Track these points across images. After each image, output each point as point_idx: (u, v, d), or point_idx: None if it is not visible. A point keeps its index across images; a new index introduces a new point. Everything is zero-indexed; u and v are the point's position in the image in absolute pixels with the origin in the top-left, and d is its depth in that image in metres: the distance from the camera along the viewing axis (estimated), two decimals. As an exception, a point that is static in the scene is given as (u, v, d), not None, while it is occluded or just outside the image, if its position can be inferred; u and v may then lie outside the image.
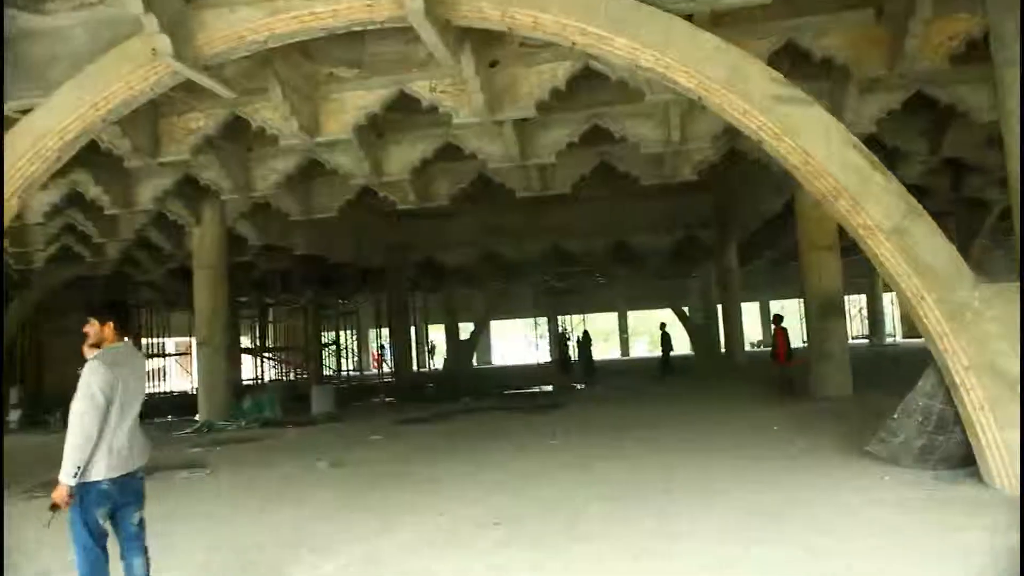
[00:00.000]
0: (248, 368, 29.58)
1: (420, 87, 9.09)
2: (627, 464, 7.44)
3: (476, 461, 8.21)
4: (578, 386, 19.79)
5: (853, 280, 24.40)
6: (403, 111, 10.77)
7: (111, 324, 3.77)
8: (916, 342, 31.91)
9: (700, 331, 32.44)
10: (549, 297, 37.60)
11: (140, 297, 25.35)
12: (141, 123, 9.67)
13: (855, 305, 32.99)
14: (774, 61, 7.15)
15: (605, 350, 39.02)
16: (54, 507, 3.47)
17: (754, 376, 18.93)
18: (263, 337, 26.67)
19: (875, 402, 10.79)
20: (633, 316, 40.99)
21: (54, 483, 3.46)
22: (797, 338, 37.61)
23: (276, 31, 6.65)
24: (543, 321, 39.78)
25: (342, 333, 28.33)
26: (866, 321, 33.70)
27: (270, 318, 28.36)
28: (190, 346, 24.61)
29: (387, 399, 19.66)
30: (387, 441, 10.59)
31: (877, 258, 5.51)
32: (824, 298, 12.27)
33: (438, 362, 37.27)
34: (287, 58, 8.51)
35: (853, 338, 29.20)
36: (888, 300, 35.37)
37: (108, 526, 3.67)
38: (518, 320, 41.61)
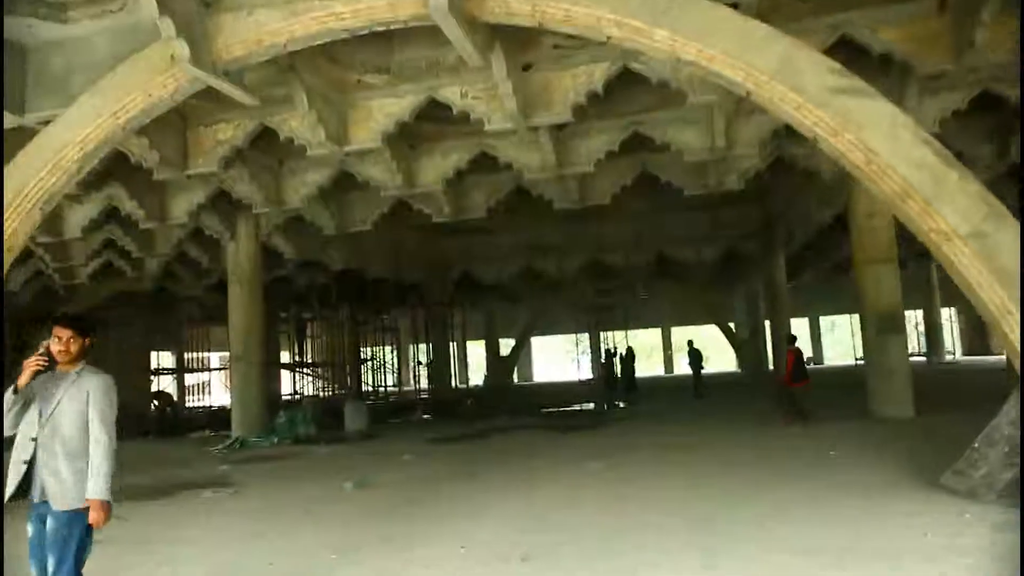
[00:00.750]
0: (287, 383, 29.68)
1: (451, 93, 8.74)
2: (671, 497, 6.86)
3: (509, 486, 7.72)
4: (619, 404, 19.14)
5: (908, 294, 23.39)
6: (435, 121, 10.48)
7: (88, 340, 3.42)
8: (978, 360, 30.37)
9: (746, 348, 31.44)
10: (591, 313, 36.96)
11: (182, 311, 25.61)
12: (169, 135, 9.54)
13: (910, 320, 31.53)
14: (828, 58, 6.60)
15: (648, 367, 38.09)
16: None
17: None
18: (301, 352, 26.64)
19: (940, 426, 10.01)
20: (677, 332, 39.98)
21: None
22: (849, 355, 36.43)
23: (295, 34, 6.34)
24: (584, 337, 39.08)
25: (382, 348, 28.15)
26: (923, 337, 32.17)
27: (308, 333, 28.36)
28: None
29: (424, 416, 19.33)
30: (417, 461, 10.17)
31: (953, 266, 4.88)
32: (882, 313, 11.49)
33: (478, 378, 36.90)
34: (312, 64, 8.26)
35: (909, 355, 27.85)
36: (947, 315, 33.80)
37: None
38: (559, 336, 41.00)
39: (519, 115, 8.42)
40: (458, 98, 8.71)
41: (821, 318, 38.65)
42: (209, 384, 32.08)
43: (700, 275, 26.73)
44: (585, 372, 38.72)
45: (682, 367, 35.20)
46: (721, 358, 40.59)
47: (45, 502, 3.29)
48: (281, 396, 27.13)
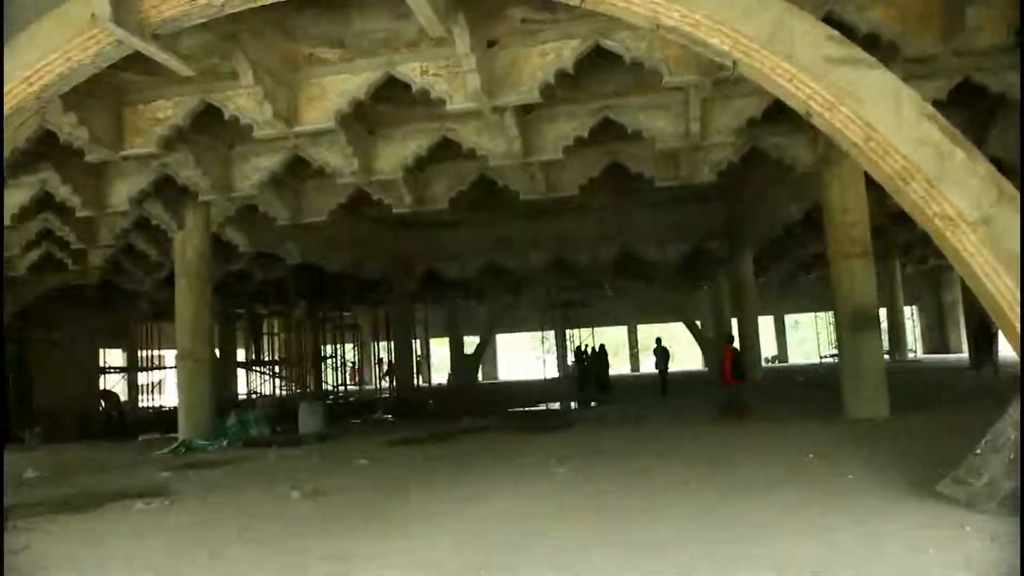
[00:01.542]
0: (245, 383, 28.69)
1: (410, 70, 8.13)
2: (640, 509, 6.36)
3: (467, 495, 7.14)
4: (592, 404, 18.71)
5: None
6: (394, 103, 9.84)
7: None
8: (939, 358, 30.68)
9: (712, 346, 31.31)
10: (556, 310, 36.55)
11: (132, 308, 24.45)
12: (101, 111, 8.75)
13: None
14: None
15: (614, 365, 37.81)
16: None
17: (773, 394, 17.80)
18: (257, 350, 25.68)
19: (918, 426, 9.71)
20: (643, 330, 39.80)
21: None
22: (814, 353, 36.61)
23: (233, -8, 5.69)
24: (550, 335, 38.66)
25: (343, 346, 27.34)
26: (886, 335, 32.43)
27: (266, 330, 27.41)
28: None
29: (386, 416, 18.65)
30: (373, 466, 9.52)
31: (958, 254, 4.46)
32: (857, 310, 11.16)
33: (443, 376, 36.25)
34: (259, 35, 7.57)
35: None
36: (909, 313, 34.18)
37: None
38: (525, 334, 40.50)
39: (483, 94, 7.84)
40: (418, 75, 8.10)
41: (785, 316, 38.84)
42: (162, 384, 30.82)
43: (666, 273, 26.45)
44: (551, 370, 38.31)
45: (648, 365, 35.10)
46: (688, 356, 40.58)
47: None
48: (237, 396, 26.19)
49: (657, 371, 19.25)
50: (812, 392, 17.34)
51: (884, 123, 4.47)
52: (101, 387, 25.17)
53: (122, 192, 11.77)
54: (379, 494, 7.50)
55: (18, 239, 15.44)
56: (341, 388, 27.49)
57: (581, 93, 9.84)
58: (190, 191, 11.86)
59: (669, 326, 35.55)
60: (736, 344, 13.12)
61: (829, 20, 7.15)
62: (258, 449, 12.24)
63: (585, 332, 36.61)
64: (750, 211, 18.85)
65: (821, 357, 36.04)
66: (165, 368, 28.66)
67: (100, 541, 6.03)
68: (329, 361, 27.46)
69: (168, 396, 30.73)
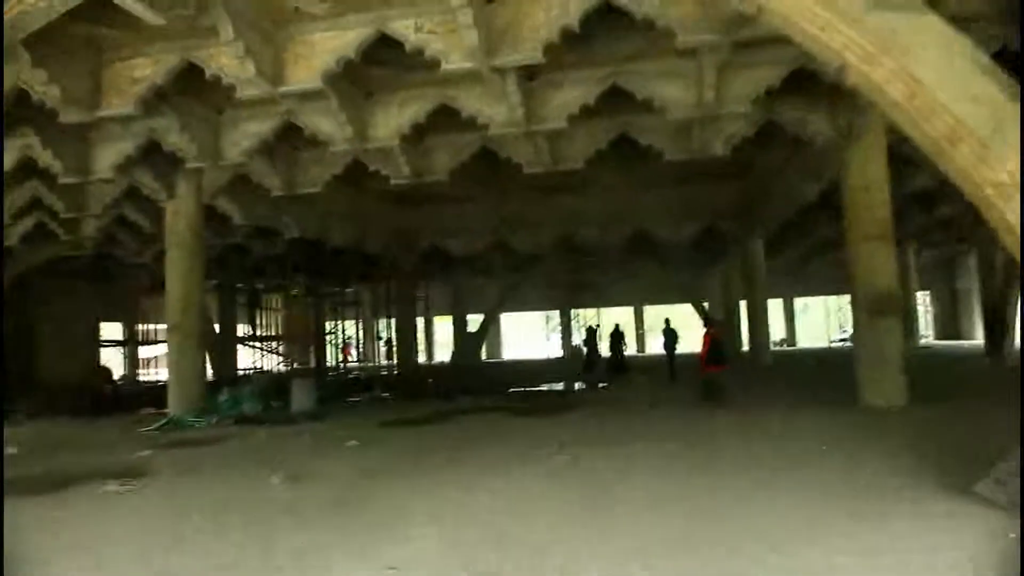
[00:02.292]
0: (246, 358, 28.32)
1: (403, 26, 7.55)
2: (646, 496, 5.86)
3: (460, 484, 6.66)
4: (599, 385, 18.25)
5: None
6: (390, 66, 9.26)
7: None
8: (952, 344, 30.00)
9: (721, 328, 30.72)
10: (562, 290, 36.02)
11: (130, 280, 24.04)
12: (75, 68, 8.21)
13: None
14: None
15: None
16: None
17: (783, 378, 17.29)
18: (254, 325, 25.27)
19: (938, 418, 9.15)
20: (650, 311, 39.23)
21: None
22: (822, 337, 36.02)
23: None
24: (555, 315, 38.18)
25: (346, 323, 26.91)
26: (899, 321, 31.78)
27: (267, 305, 26.99)
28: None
29: (384, 395, 18.23)
30: (362, 449, 9.07)
31: (1010, 226, 3.89)
32: (876, 294, 10.57)
33: (445, 354, 35.86)
34: (240, -15, 7.00)
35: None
36: (921, 299, 33.51)
37: None
38: (530, 313, 40.00)
39: (481, 52, 7.26)
40: (412, 32, 7.52)
41: (795, 300, 38.20)
42: (160, 358, 30.53)
43: (676, 253, 25.87)
44: (556, 350, 37.87)
45: (654, 346, 34.57)
46: (695, 338, 40.00)
47: None
48: (237, 372, 25.83)
49: (665, 353, 18.68)
50: (823, 377, 16.80)
51: (933, 78, 3.89)
52: (99, 361, 24.87)
53: (107, 158, 11.27)
54: (364, 480, 7.04)
55: (7, 207, 14.97)
56: (342, 365, 27.08)
57: (588, 58, 9.23)
58: (181, 160, 11.36)
59: (675, 308, 35.03)
60: (717, 326, 12.36)
61: None
62: (249, 427, 11.82)
63: (591, 312, 36.12)
64: (763, 191, 18.19)
65: (831, 341, 35.47)
66: (162, 342, 28.33)
67: (53, 529, 5.59)
68: (329, 338, 27.04)
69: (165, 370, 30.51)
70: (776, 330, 32.68)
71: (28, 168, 12.14)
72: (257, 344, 25.20)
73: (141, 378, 28.44)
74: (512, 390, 17.61)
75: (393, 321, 25.05)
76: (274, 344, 25.95)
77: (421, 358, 30.60)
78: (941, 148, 3.99)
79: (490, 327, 35.20)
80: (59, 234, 16.54)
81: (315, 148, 12.02)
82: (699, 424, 9.92)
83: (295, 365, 24.66)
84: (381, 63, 9.04)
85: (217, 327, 26.70)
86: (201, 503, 6.35)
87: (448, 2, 6.86)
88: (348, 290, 27.92)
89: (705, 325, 12.43)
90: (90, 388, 21.01)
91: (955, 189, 13.48)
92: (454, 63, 7.53)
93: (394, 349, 25.69)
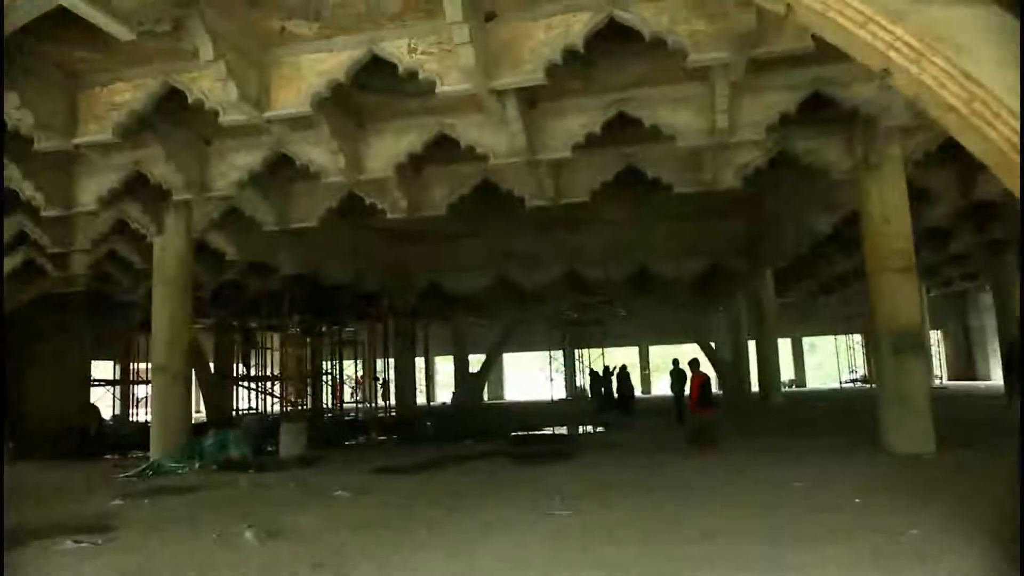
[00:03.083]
0: (242, 400, 27.58)
1: (395, 48, 7.12)
2: (663, 564, 5.19)
3: (451, 546, 5.98)
4: (605, 426, 17.59)
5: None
6: (385, 93, 8.85)
7: None
8: (967, 385, 29.15)
9: (729, 368, 30.03)
10: (565, 329, 35.38)
11: (123, 317, 23.48)
12: (49, 93, 7.80)
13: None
14: None
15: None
16: None
17: (794, 421, 16.55)
18: (247, 365, 24.62)
19: (973, 466, 8.47)
20: (655, 350, 38.51)
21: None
22: (832, 377, 35.19)
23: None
24: (559, 355, 37.48)
25: (339, 363, 26.25)
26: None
27: (263, 344, 26.37)
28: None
29: (381, 438, 17.52)
30: (351, 499, 8.39)
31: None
32: (900, 330, 9.95)
33: (446, 395, 35.08)
34: (222, 4, 6.57)
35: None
36: (934, 338, 32.76)
37: None
38: (532, 353, 39.28)
39: (479, 73, 6.78)
40: (405, 53, 7.09)
41: (804, 339, 37.49)
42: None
43: (682, 291, 25.31)
44: (559, 391, 37.09)
45: (661, 387, 33.76)
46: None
47: None
48: (232, 413, 25.08)
49: (672, 395, 17.97)
50: (839, 419, 16.10)
51: (991, 77, 3.38)
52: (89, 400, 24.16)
53: (91, 190, 10.83)
54: (348, 537, 6.35)
55: (-8, 242, 14.52)
56: (339, 406, 26.36)
57: (592, 84, 8.82)
58: (169, 192, 10.91)
59: (681, 347, 34.36)
60: (703, 370, 12.20)
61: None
62: (232, 473, 11.12)
63: (595, 352, 35.42)
64: (773, 226, 17.69)
65: (841, 382, 34.62)
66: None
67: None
68: (327, 378, 26.36)
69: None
70: (784, 370, 31.96)
71: (14, 200, 11.72)
72: (252, 384, 24.51)
73: (133, 418, 27.66)
74: (513, 434, 16.88)
75: (392, 361, 24.42)
76: (269, 385, 25.24)
77: (421, 399, 29.83)
78: (1004, 160, 3.45)
79: (492, 367, 34.51)
80: (47, 269, 16.07)
81: (308, 181, 11.58)
82: (716, 473, 9.21)
83: (290, 407, 23.92)
84: (375, 89, 8.63)
85: (212, 366, 26.08)
86: (161, 566, 5.68)
87: (441, 20, 6.44)
88: (347, 329, 27.33)
89: (692, 370, 12.14)
90: (78, 428, 20.31)
91: (970, 223, 13.08)
92: (450, 84, 7.06)
93: (392, 390, 24.98)
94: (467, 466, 11.07)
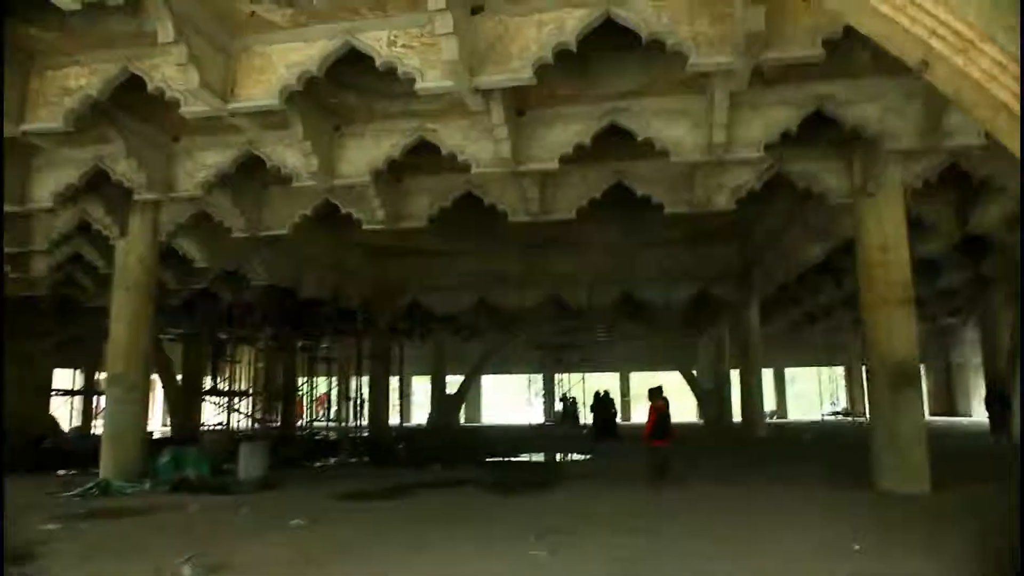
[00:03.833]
0: (212, 414, 26.63)
1: (374, 39, 6.61)
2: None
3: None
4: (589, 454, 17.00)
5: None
6: (363, 92, 8.33)
7: None
8: (950, 421, 28.83)
9: (710, 398, 29.55)
10: (546, 352, 34.82)
11: (90, 323, 22.58)
12: (3, 73, 7.14)
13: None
14: None
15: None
16: None
17: (779, 453, 16.04)
18: (215, 378, 23.77)
19: (972, 508, 7.96)
20: (636, 377, 37.99)
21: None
22: (813, 409, 34.86)
23: None
24: (538, 378, 36.87)
25: (312, 379, 25.49)
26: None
27: (234, 358, 25.50)
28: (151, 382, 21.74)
29: (351, 460, 16.75)
30: (308, 529, 7.70)
31: None
32: (895, 364, 9.51)
33: (422, 416, 34.28)
34: (186, -18, 6.04)
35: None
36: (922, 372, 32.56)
37: None
38: (511, 376, 38.63)
39: (463, 70, 6.28)
40: (384, 46, 6.57)
41: (786, 370, 37.17)
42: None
43: (667, 318, 24.91)
44: (538, 415, 36.41)
45: (640, 415, 33.19)
46: (682, 406, 38.71)
47: None
48: (199, 428, 24.13)
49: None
50: (826, 454, 15.60)
51: (1056, 70, 2.91)
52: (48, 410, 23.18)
53: (46, 186, 10.16)
54: (299, 574, 5.70)
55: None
56: (310, 424, 25.51)
57: (584, 92, 8.35)
58: (133, 191, 10.28)
59: (662, 375, 33.87)
60: (663, 399, 11.46)
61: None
62: (184, 495, 10.37)
63: (576, 377, 34.88)
64: (764, 253, 17.34)
65: (823, 415, 34.26)
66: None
67: None
68: (300, 395, 25.55)
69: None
70: (767, 401, 31.54)
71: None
72: (221, 399, 23.63)
73: (94, 431, 26.58)
74: (488, 459, 16.21)
75: (365, 379, 23.70)
76: (239, 399, 24.35)
77: (395, 419, 29.03)
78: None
79: (470, 389, 33.79)
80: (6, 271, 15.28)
81: (283, 186, 11.01)
82: (704, 506, 8.64)
83: (258, 424, 23.07)
84: (354, 88, 8.11)
85: (180, 379, 25.17)
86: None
87: (424, 11, 5.96)
88: (325, 345, 26.58)
89: (651, 398, 11.42)
90: (32, 440, 19.34)
91: (962, 257, 12.78)
92: (431, 81, 6.54)
93: (365, 409, 24.21)
94: (438, 494, 10.42)
